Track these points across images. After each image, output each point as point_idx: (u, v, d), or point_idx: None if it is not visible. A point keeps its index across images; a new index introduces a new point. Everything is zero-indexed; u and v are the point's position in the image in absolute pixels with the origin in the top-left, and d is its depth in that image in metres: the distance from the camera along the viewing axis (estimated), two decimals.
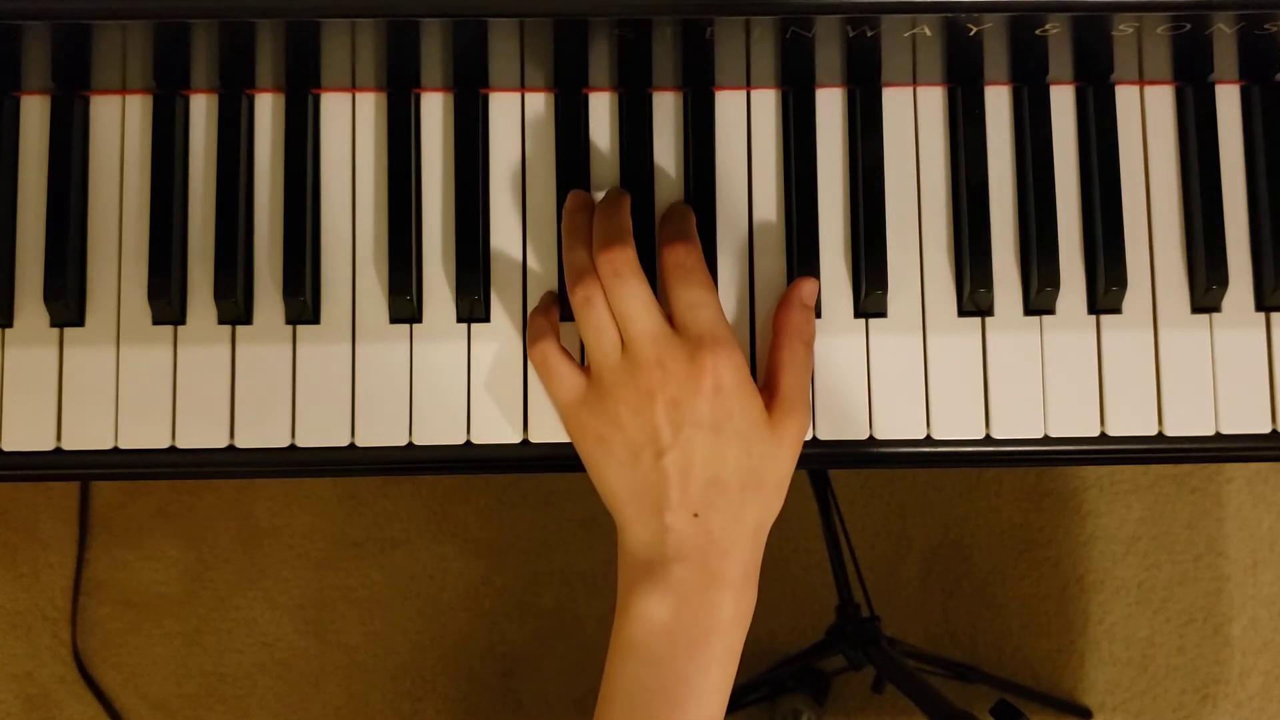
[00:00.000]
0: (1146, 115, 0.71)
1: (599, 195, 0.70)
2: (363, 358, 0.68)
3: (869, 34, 0.64)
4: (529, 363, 0.67)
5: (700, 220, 0.69)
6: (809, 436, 0.68)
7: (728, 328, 0.63)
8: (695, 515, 0.61)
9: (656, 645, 0.60)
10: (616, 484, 0.63)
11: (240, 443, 0.68)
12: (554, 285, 0.69)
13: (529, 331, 0.66)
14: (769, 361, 0.66)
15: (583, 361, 0.67)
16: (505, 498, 1.48)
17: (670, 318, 0.64)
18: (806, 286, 0.67)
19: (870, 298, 0.68)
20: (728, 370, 0.61)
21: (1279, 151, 0.70)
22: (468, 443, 0.68)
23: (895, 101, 0.70)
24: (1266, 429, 0.69)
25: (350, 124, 0.70)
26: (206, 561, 1.48)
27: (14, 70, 0.68)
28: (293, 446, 0.68)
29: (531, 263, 0.69)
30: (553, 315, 0.67)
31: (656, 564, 0.61)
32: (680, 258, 0.64)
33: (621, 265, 0.63)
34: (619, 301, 0.63)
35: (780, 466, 0.63)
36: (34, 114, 0.70)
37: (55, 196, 0.68)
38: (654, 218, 0.69)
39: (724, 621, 0.61)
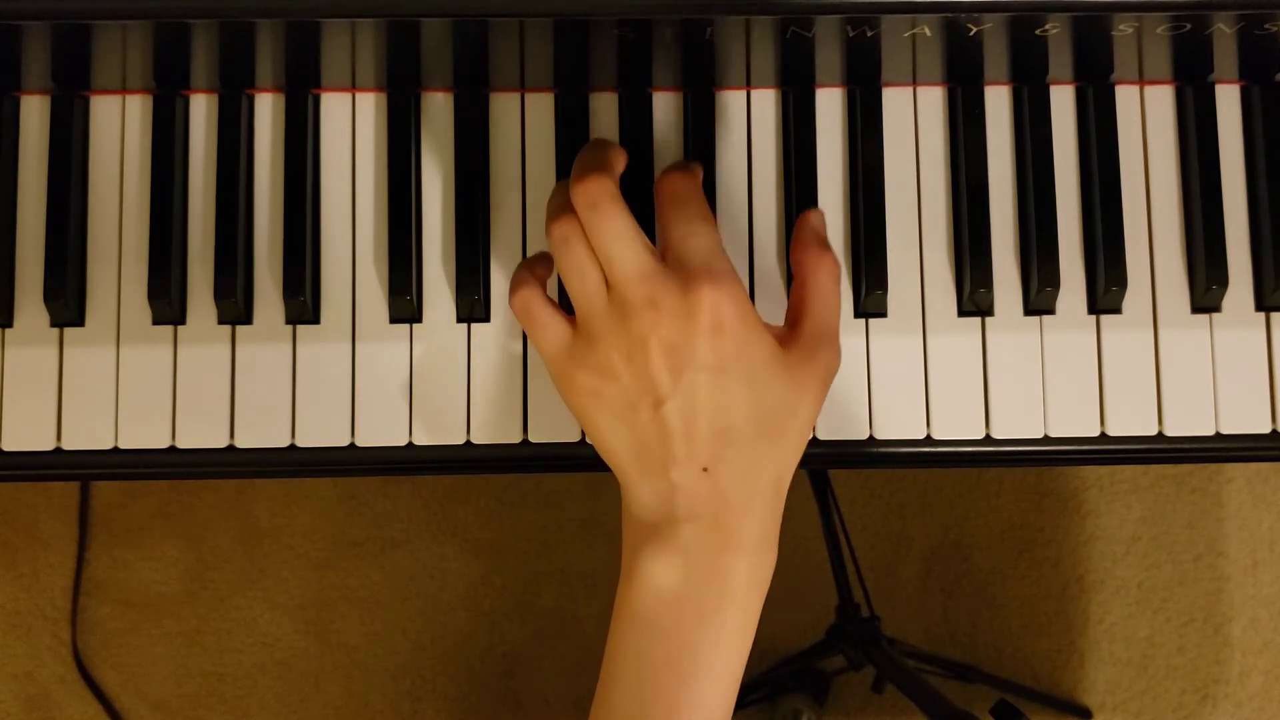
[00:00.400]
0: (1146, 115, 0.71)
1: None
2: (363, 358, 0.69)
3: (869, 34, 0.64)
4: (511, 309, 0.62)
5: None
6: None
7: (727, 260, 0.58)
8: (704, 470, 0.55)
9: (664, 614, 0.55)
10: (614, 441, 0.57)
11: (240, 443, 0.68)
12: (555, 283, 0.69)
13: (512, 281, 0.62)
14: (791, 301, 0.61)
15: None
16: (505, 498, 1.48)
17: (663, 254, 0.58)
18: (814, 216, 0.63)
19: (870, 298, 0.68)
20: (728, 304, 0.56)
21: (1279, 151, 0.70)
22: (468, 443, 0.68)
23: (895, 101, 0.70)
24: (1266, 429, 0.69)
25: (350, 124, 0.70)
26: (206, 561, 1.48)
27: (14, 70, 0.68)
28: (293, 446, 0.68)
29: None
30: (538, 268, 0.63)
31: (663, 525, 0.55)
32: (676, 187, 0.60)
33: (599, 195, 0.57)
34: (599, 237, 0.57)
35: (801, 412, 0.57)
36: (34, 114, 0.70)
37: (55, 196, 0.69)
38: (653, 218, 0.69)
39: (739, 588, 0.55)
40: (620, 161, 0.62)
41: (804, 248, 0.62)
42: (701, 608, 0.55)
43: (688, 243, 0.58)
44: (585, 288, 0.58)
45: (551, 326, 0.59)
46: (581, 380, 0.58)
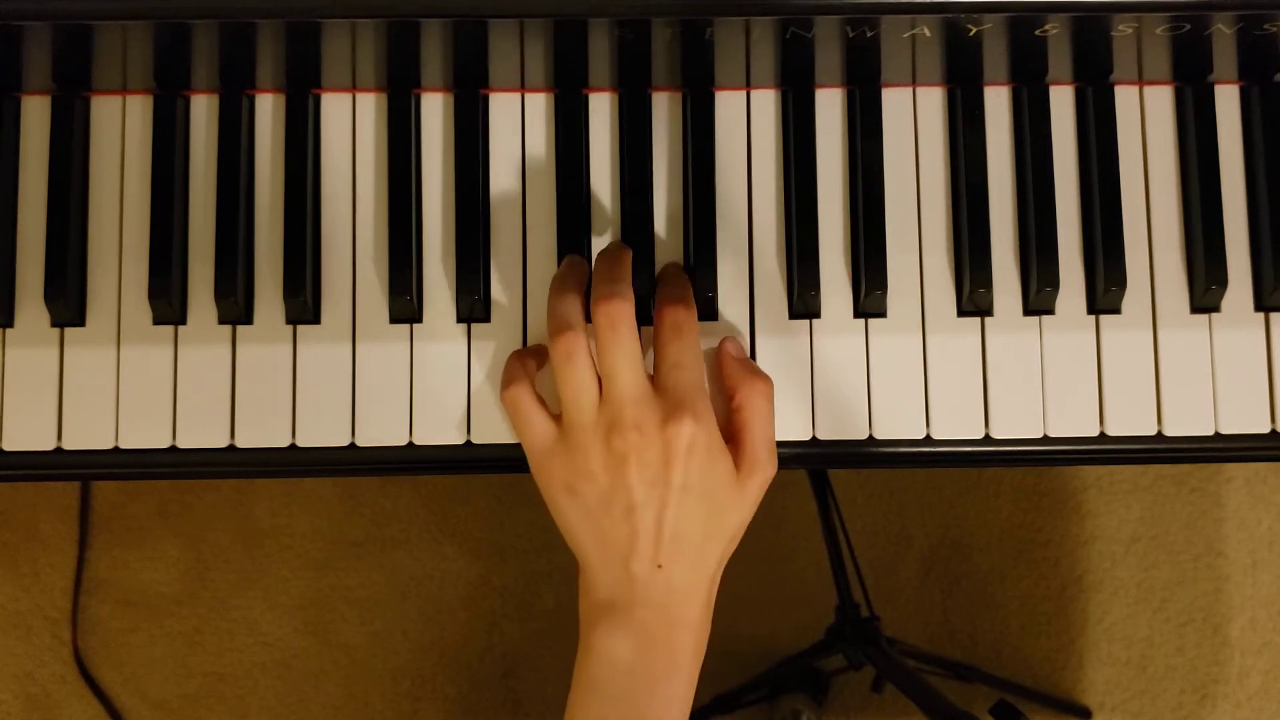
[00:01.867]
0: (1146, 115, 0.71)
1: (599, 196, 0.70)
2: (363, 358, 0.69)
3: (869, 34, 0.64)
4: (502, 404, 0.67)
5: (700, 220, 0.69)
6: (808, 436, 0.69)
7: (706, 394, 0.65)
8: (659, 566, 0.63)
9: (620, 682, 0.63)
10: (581, 531, 0.64)
11: (240, 443, 0.68)
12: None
13: (504, 373, 0.67)
14: (730, 419, 0.67)
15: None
16: (505, 498, 1.48)
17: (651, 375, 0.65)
18: (730, 344, 0.68)
19: (870, 298, 0.68)
20: (702, 436, 0.63)
21: (1278, 151, 0.70)
22: (467, 443, 0.68)
23: (895, 102, 0.70)
24: (1265, 429, 0.69)
25: (350, 124, 0.70)
26: (206, 561, 1.48)
27: (15, 70, 0.68)
28: (293, 446, 0.68)
29: (531, 263, 0.69)
30: (529, 362, 0.68)
31: (620, 607, 0.63)
32: (680, 318, 0.66)
33: (620, 320, 0.63)
34: (610, 357, 0.63)
35: (741, 515, 0.65)
36: (35, 114, 0.70)
37: (56, 197, 0.69)
38: (653, 219, 0.69)
39: (685, 659, 0.63)
40: (630, 271, 0.68)
41: (732, 376, 0.67)
42: (653, 677, 0.63)
43: (677, 373, 0.65)
44: (580, 402, 0.64)
45: (539, 425, 0.65)
46: (561, 476, 0.64)
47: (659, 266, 0.70)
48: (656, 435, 0.63)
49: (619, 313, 0.64)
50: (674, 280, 0.69)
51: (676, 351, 0.65)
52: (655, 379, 0.65)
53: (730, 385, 0.67)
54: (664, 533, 0.63)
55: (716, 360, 0.69)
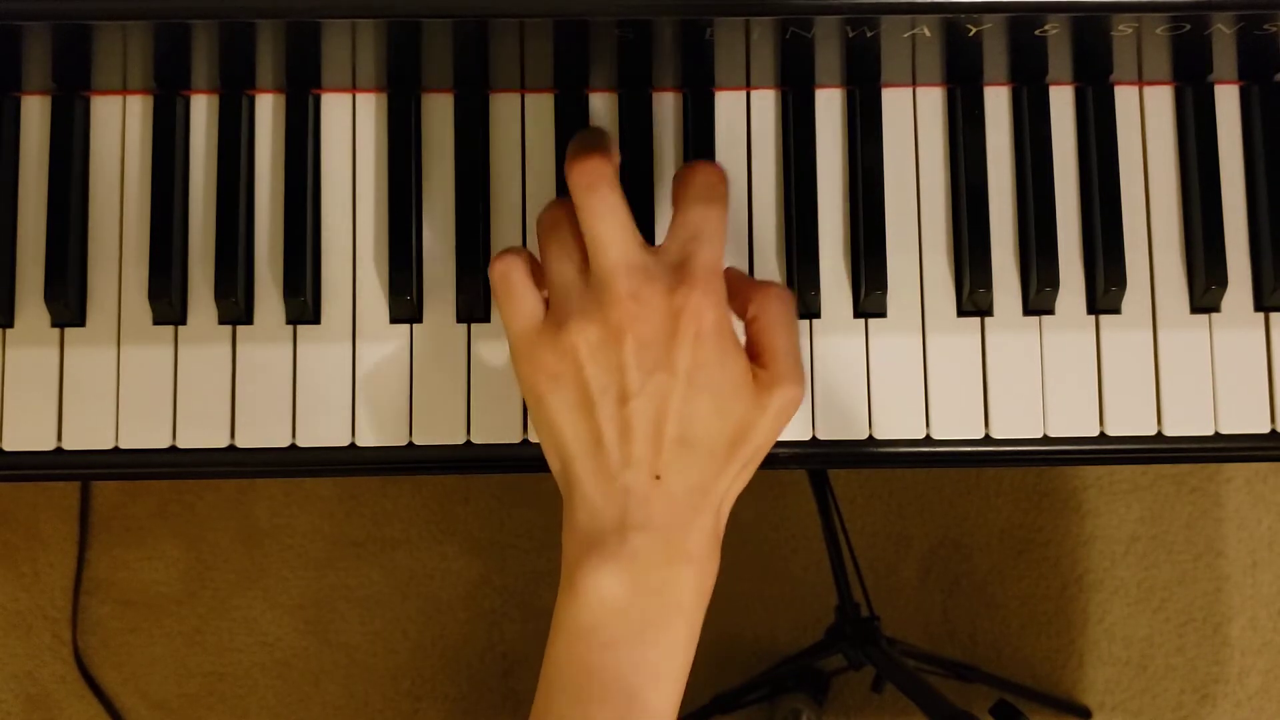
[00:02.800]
0: (1146, 115, 0.71)
1: None
2: (363, 358, 0.69)
3: (868, 34, 0.64)
4: (490, 277, 0.59)
5: None
6: (808, 436, 0.68)
7: (722, 279, 0.56)
8: (657, 477, 0.53)
9: (610, 627, 0.53)
10: (567, 432, 0.54)
11: (240, 443, 0.68)
12: None
13: (503, 250, 0.59)
14: (750, 327, 0.58)
15: None
16: (505, 498, 1.48)
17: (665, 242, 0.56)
18: (732, 269, 0.62)
19: (870, 298, 0.68)
20: (711, 314, 0.54)
21: (1278, 152, 0.70)
22: (468, 443, 0.68)
23: (895, 102, 0.70)
24: (1266, 429, 0.69)
25: (351, 124, 0.70)
26: (207, 561, 1.48)
27: (14, 70, 0.68)
28: (293, 446, 0.68)
29: None
30: (525, 250, 0.60)
31: (610, 533, 0.53)
32: (710, 182, 0.56)
33: (596, 177, 0.55)
34: (590, 219, 0.55)
35: (759, 436, 0.55)
36: (34, 114, 0.70)
37: (56, 197, 0.69)
38: (654, 219, 0.69)
39: (686, 598, 0.53)
40: (615, 152, 0.60)
41: (745, 284, 0.59)
42: (649, 619, 0.53)
43: (697, 243, 0.55)
44: (564, 269, 0.56)
45: (527, 300, 0.57)
46: (545, 361, 0.55)
47: None
48: (659, 306, 0.53)
49: (597, 171, 0.55)
50: (702, 160, 0.61)
51: (698, 218, 0.55)
52: (667, 245, 0.56)
53: (741, 299, 0.58)
54: (665, 432, 0.53)
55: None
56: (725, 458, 0.55)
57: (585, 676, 0.53)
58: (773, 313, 0.57)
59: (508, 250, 0.59)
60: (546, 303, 0.58)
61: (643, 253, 0.55)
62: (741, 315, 0.59)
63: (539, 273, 0.59)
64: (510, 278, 0.57)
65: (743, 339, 0.59)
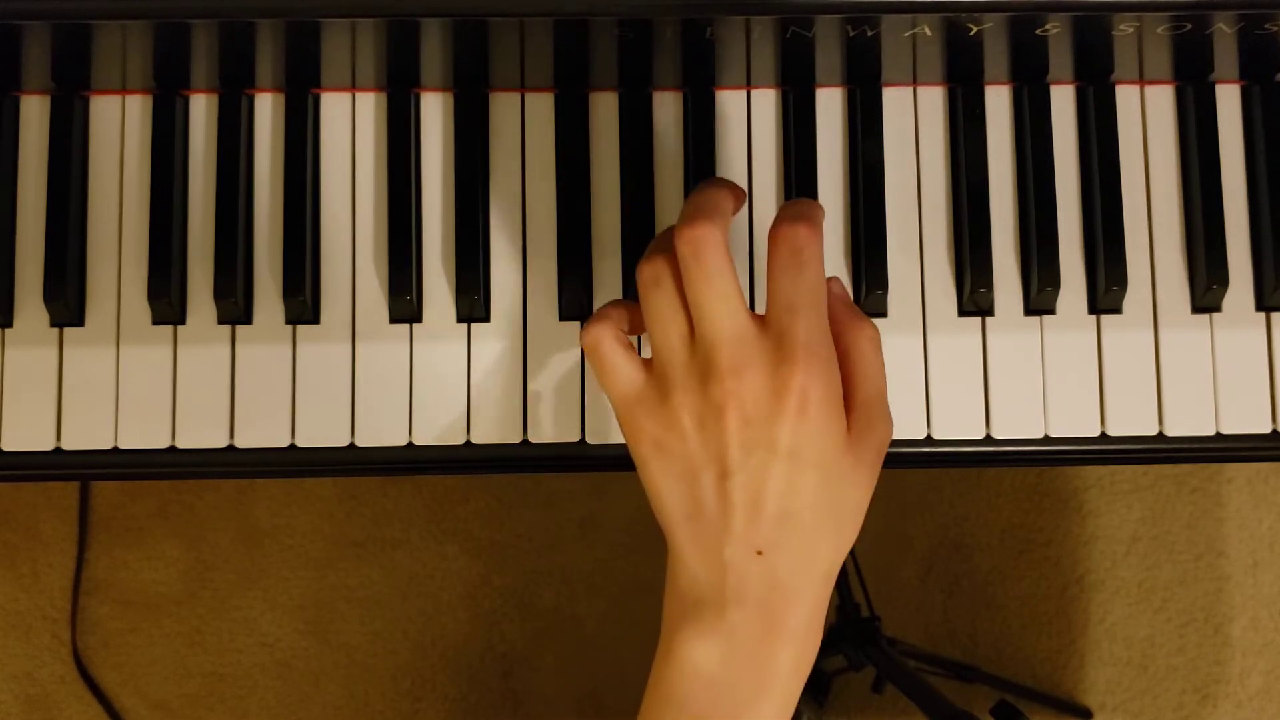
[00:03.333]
0: (1147, 115, 0.71)
1: (600, 197, 0.70)
2: (363, 358, 0.69)
3: (869, 34, 0.64)
4: (582, 346, 0.58)
5: None
6: None
7: (829, 340, 0.55)
8: (759, 553, 0.53)
9: (701, 698, 0.52)
10: (671, 500, 0.54)
11: (240, 443, 0.68)
12: (554, 285, 0.69)
13: (592, 316, 0.58)
14: (840, 361, 0.57)
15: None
16: (505, 498, 1.48)
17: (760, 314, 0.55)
18: (837, 285, 0.61)
19: (870, 298, 0.68)
20: (816, 389, 0.53)
21: (1279, 151, 0.70)
22: (468, 443, 0.68)
23: (895, 101, 0.70)
24: (1267, 429, 0.69)
25: (350, 124, 0.70)
26: (206, 561, 1.48)
27: (14, 70, 0.68)
28: (293, 446, 0.68)
29: (531, 263, 0.69)
30: (619, 311, 0.59)
31: (709, 605, 0.53)
32: (801, 242, 0.54)
33: (704, 245, 0.53)
34: (696, 290, 0.54)
35: (858, 493, 0.55)
36: (34, 114, 0.70)
37: (55, 196, 0.68)
38: (654, 218, 0.69)
39: (781, 676, 0.53)
40: (736, 204, 0.59)
41: (837, 318, 0.58)
42: (740, 695, 0.52)
43: (793, 317, 0.54)
44: (669, 337, 0.55)
45: (623, 371, 0.56)
46: (648, 429, 0.55)
47: None
48: (762, 385, 0.52)
49: (705, 239, 0.53)
50: (799, 200, 0.58)
51: (792, 289, 0.54)
52: (766, 319, 0.55)
53: (835, 328, 0.57)
54: (766, 509, 0.52)
55: None
56: (830, 528, 0.54)
57: None
58: (860, 351, 0.57)
59: (595, 319, 0.58)
60: (644, 364, 0.57)
61: (748, 324, 0.54)
62: (837, 337, 0.58)
63: (632, 317, 0.59)
64: (600, 349, 0.57)
65: None
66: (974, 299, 0.69)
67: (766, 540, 0.53)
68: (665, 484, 0.54)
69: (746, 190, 0.69)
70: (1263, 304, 0.69)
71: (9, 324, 0.69)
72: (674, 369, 0.54)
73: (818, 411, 0.53)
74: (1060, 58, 0.67)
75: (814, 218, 0.56)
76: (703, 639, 0.53)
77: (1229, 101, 0.70)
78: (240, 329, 0.69)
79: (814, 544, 0.53)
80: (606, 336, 0.57)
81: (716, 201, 0.57)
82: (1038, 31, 0.64)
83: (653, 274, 0.55)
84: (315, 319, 0.69)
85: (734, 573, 0.53)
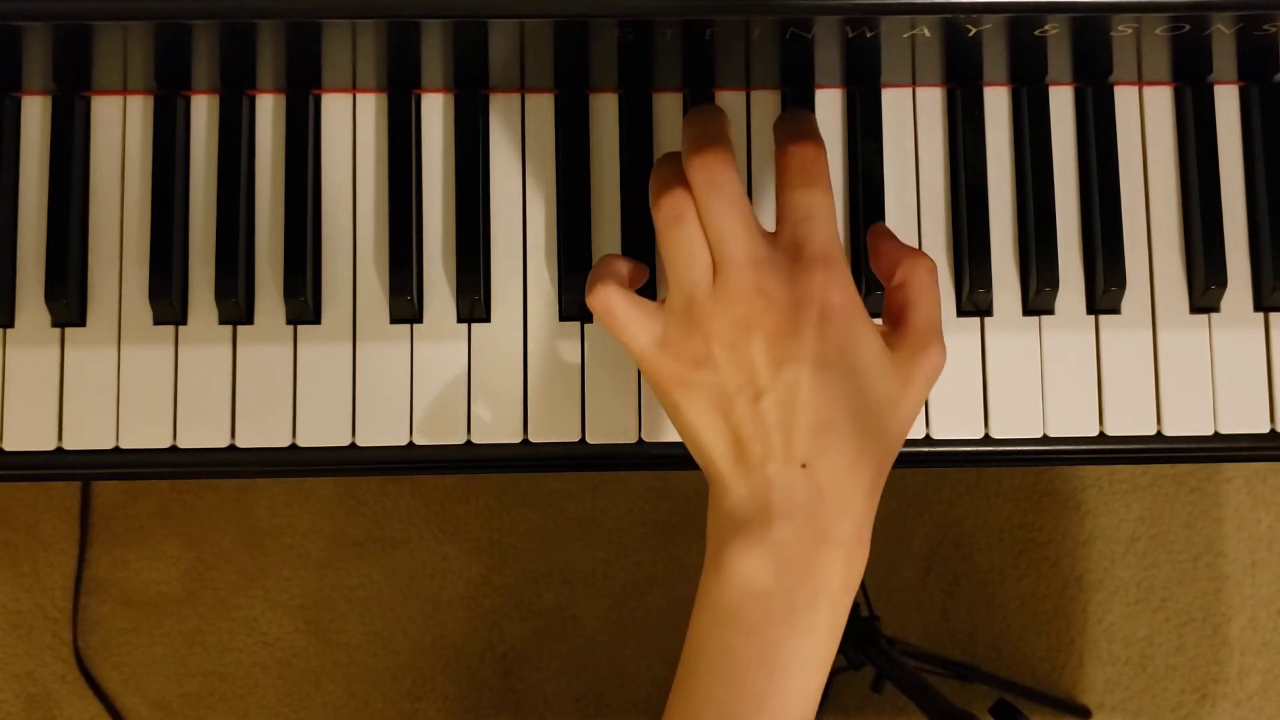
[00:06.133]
0: (1145, 116, 0.71)
1: (600, 197, 0.70)
2: (363, 358, 0.69)
3: (868, 35, 0.64)
4: (592, 311, 0.58)
5: None
6: None
7: (841, 248, 0.56)
8: (803, 466, 0.53)
9: (755, 610, 0.52)
10: (707, 433, 0.55)
11: (241, 442, 0.68)
12: (554, 285, 0.69)
13: (590, 276, 0.58)
14: (890, 301, 0.59)
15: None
16: (505, 498, 1.48)
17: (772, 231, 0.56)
18: (884, 226, 0.62)
19: (870, 298, 0.68)
20: (837, 294, 0.54)
21: (1278, 152, 0.70)
22: (468, 443, 0.68)
23: (894, 102, 0.70)
24: (1265, 429, 0.69)
25: (351, 124, 0.70)
26: (207, 561, 1.49)
27: (14, 70, 0.68)
28: (293, 446, 0.68)
29: (531, 263, 0.69)
30: (615, 264, 0.59)
31: (756, 521, 0.53)
32: (808, 158, 0.56)
33: (720, 174, 0.55)
34: (716, 216, 0.55)
35: (903, 409, 0.55)
36: (35, 114, 0.70)
37: (56, 197, 0.69)
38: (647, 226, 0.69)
39: (833, 585, 0.53)
40: (726, 125, 0.60)
41: (895, 248, 0.59)
42: (793, 605, 0.53)
43: (808, 225, 0.55)
44: (693, 271, 0.55)
45: (641, 322, 0.57)
46: (675, 370, 0.55)
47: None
48: (784, 297, 0.53)
49: (718, 165, 0.55)
50: (796, 116, 0.60)
51: (806, 200, 0.56)
52: (779, 235, 0.56)
53: (889, 263, 0.59)
54: (802, 421, 0.53)
55: (871, 243, 0.61)
56: (871, 435, 0.54)
57: (728, 656, 0.53)
58: (919, 279, 0.58)
59: (598, 279, 0.58)
60: (657, 308, 0.58)
61: (765, 244, 0.55)
62: (885, 279, 0.60)
63: (629, 271, 0.60)
64: (614, 310, 0.57)
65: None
66: (973, 299, 0.69)
67: (808, 452, 0.53)
68: (701, 419, 0.55)
69: (747, 191, 0.70)
70: (1261, 304, 0.70)
71: (10, 324, 0.69)
72: (699, 302, 0.55)
73: (842, 316, 0.54)
74: (1059, 59, 0.67)
75: (817, 134, 0.58)
76: (752, 552, 0.53)
77: (1227, 102, 0.70)
78: (241, 329, 0.69)
79: (855, 452, 0.54)
80: (615, 295, 0.57)
81: (719, 127, 0.58)
82: (1036, 33, 0.64)
83: (673, 210, 0.56)
84: (316, 319, 0.69)
85: (778, 488, 0.53)
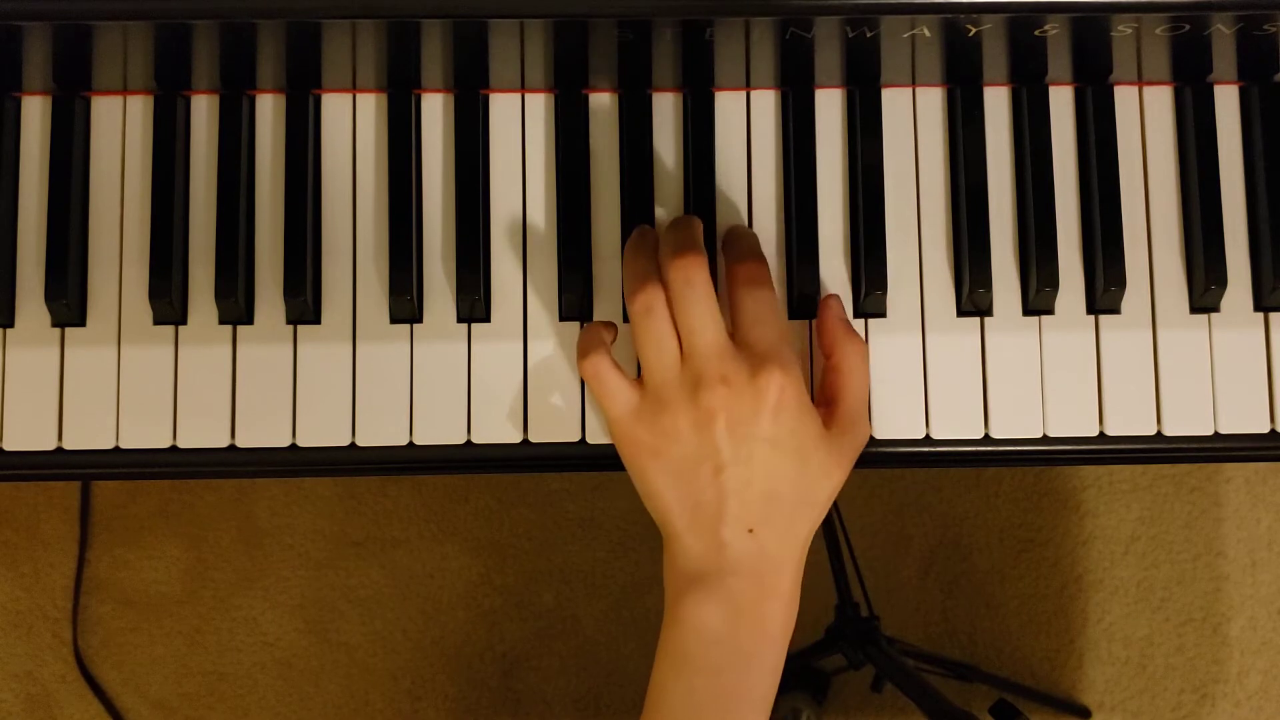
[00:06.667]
0: (1145, 116, 0.71)
1: (600, 197, 0.70)
2: (363, 358, 0.69)
3: (868, 35, 0.64)
4: (581, 377, 0.66)
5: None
6: None
7: (791, 349, 0.64)
8: (750, 530, 0.61)
9: (711, 655, 0.61)
10: (668, 496, 0.63)
11: (241, 442, 0.68)
12: (554, 285, 0.69)
13: (580, 343, 0.66)
14: (825, 378, 0.67)
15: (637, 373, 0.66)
16: (505, 498, 1.48)
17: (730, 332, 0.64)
18: (835, 303, 0.68)
19: (870, 298, 0.68)
20: (790, 389, 0.62)
21: (1277, 152, 0.70)
22: (468, 443, 0.68)
23: (894, 102, 0.70)
24: (1265, 429, 0.69)
25: (351, 124, 0.70)
26: (207, 561, 1.49)
27: (15, 71, 0.68)
28: (293, 446, 0.68)
29: (531, 263, 0.69)
30: (604, 332, 0.66)
31: (710, 575, 0.61)
32: (754, 273, 0.65)
33: (695, 274, 0.62)
34: (687, 311, 0.62)
35: (832, 481, 0.64)
36: (35, 114, 0.70)
37: (56, 197, 0.69)
38: (653, 219, 0.69)
39: (775, 632, 0.62)
40: (701, 234, 0.67)
41: (832, 334, 0.67)
42: (745, 650, 0.61)
43: (759, 329, 0.63)
44: (663, 359, 0.63)
45: (622, 392, 0.64)
46: (647, 439, 0.63)
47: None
48: (745, 388, 0.61)
49: (693, 267, 0.62)
50: (742, 236, 0.68)
51: (755, 307, 0.64)
52: (736, 336, 0.64)
53: (828, 344, 0.67)
54: (754, 493, 0.61)
55: (819, 318, 0.68)
56: (807, 503, 0.63)
57: (692, 698, 0.61)
58: (851, 365, 0.66)
59: (589, 348, 0.65)
60: (635, 383, 0.64)
61: (728, 339, 0.63)
62: (824, 353, 0.67)
63: (612, 335, 0.67)
64: (601, 375, 0.64)
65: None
66: (973, 299, 0.69)
67: (756, 518, 0.61)
68: (664, 483, 0.63)
69: (746, 191, 0.70)
70: (1261, 304, 0.70)
71: (10, 324, 0.69)
72: (668, 386, 0.63)
73: (793, 406, 0.62)
74: (1059, 59, 0.67)
75: (758, 249, 0.67)
76: (707, 604, 0.61)
77: (1227, 102, 0.70)
78: (241, 329, 0.69)
79: (793, 518, 0.62)
80: (604, 363, 0.64)
81: (695, 234, 0.65)
82: (1036, 33, 0.64)
83: (645, 303, 0.63)
84: (316, 319, 0.69)
85: (731, 549, 0.61)
